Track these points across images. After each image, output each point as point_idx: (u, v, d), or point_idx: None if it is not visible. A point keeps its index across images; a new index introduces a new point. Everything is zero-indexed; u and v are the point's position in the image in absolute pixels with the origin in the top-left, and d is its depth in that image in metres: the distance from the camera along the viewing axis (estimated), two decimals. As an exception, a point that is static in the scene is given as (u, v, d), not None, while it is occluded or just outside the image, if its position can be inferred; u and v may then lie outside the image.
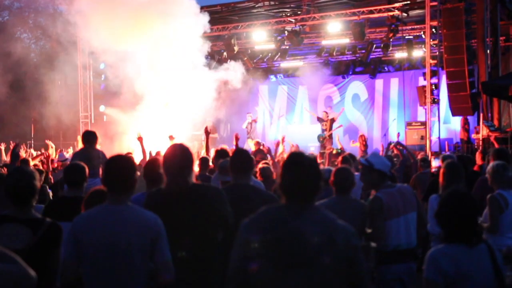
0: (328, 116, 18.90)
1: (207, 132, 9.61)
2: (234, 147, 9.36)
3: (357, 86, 22.47)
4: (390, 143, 10.33)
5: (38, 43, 29.12)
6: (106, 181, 3.59)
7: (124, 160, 3.67)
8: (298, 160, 2.95)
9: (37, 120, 22.33)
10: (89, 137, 8.25)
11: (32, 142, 22.99)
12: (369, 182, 4.94)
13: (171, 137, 9.81)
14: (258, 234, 2.85)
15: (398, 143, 10.43)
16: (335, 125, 18.74)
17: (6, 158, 11.09)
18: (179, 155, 3.94)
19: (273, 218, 2.90)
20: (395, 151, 10.41)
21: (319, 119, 19.10)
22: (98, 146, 8.47)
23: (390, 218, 4.65)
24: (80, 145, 11.22)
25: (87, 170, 4.97)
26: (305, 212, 2.88)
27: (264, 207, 2.99)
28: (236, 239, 2.97)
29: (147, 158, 8.41)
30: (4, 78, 20.49)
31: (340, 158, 7.40)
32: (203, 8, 18.68)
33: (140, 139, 9.52)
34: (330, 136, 18.29)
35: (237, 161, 4.90)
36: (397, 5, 17.06)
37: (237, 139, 9.87)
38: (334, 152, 13.57)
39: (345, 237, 2.86)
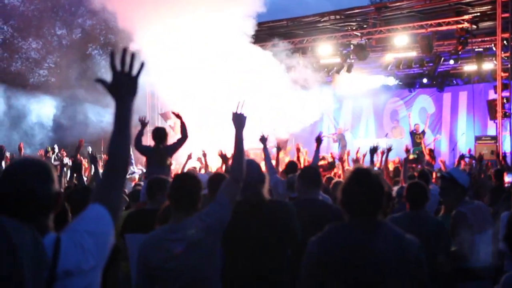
0: (419, 129, 18.49)
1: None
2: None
3: (424, 100, 22.10)
4: (462, 156, 10.10)
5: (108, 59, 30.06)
6: (172, 198, 3.64)
7: (189, 178, 3.73)
8: (365, 177, 2.93)
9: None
10: (161, 134, 8.49)
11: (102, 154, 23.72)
12: (449, 198, 4.81)
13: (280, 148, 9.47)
14: (332, 254, 2.85)
15: (471, 156, 10.20)
16: (428, 138, 18.27)
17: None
18: (247, 171, 3.91)
19: (345, 238, 2.88)
20: (462, 165, 10.18)
21: (412, 133, 18.71)
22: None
23: (471, 234, 4.53)
24: None
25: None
26: (376, 230, 2.87)
27: (331, 224, 2.98)
28: (305, 257, 2.95)
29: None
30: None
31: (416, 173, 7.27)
32: (268, 23, 18.93)
33: (204, 155, 9.59)
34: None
35: (306, 176, 4.93)
36: (466, 17, 16.66)
37: (298, 150, 9.86)
38: (411, 157, 13.15)
39: (413, 252, 2.86)
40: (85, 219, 2.13)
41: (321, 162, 10.47)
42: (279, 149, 8.83)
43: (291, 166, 6.96)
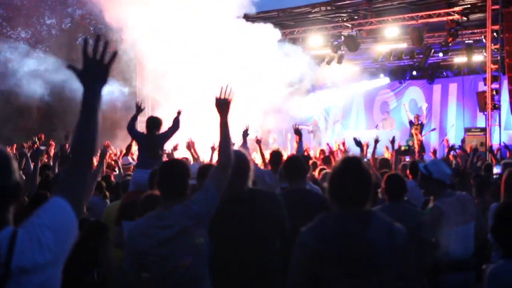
0: (418, 120, 18.47)
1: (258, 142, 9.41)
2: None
3: (414, 91, 22.17)
4: (452, 146, 10.14)
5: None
6: (160, 186, 3.62)
7: (177, 165, 3.70)
8: (355, 166, 2.93)
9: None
10: (154, 122, 8.48)
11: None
12: (427, 191, 4.88)
13: (258, 141, 9.55)
14: (327, 243, 2.83)
15: (461, 148, 10.26)
16: (425, 129, 18.32)
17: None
18: (237, 160, 3.89)
19: (340, 227, 2.87)
20: (451, 157, 10.22)
21: (411, 123, 18.71)
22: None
23: (449, 228, 4.57)
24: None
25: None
26: (369, 219, 2.88)
27: (322, 214, 2.97)
28: (296, 247, 2.93)
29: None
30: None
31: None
32: (259, 14, 18.87)
33: (192, 143, 9.54)
34: (421, 141, 17.10)
35: (290, 166, 4.94)
36: (457, 9, 16.68)
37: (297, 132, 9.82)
38: (402, 149, 13.17)
39: (401, 240, 2.89)
40: (44, 213, 2.04)
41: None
42: (259, 142, 8.92)
43: (275, 156, 6.91)
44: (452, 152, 10.50)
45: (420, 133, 17.88)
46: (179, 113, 8.79)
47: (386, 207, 4.58)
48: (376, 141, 8.77)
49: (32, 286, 1.92)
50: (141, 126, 9.85)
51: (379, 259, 2.80)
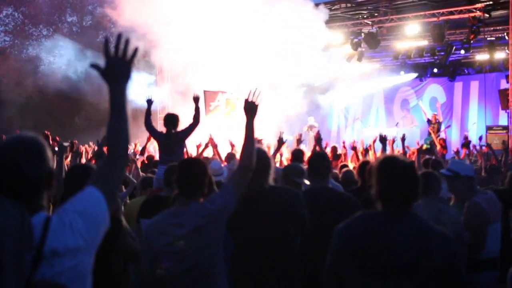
0: (436, 119, 18.31)
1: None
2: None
3: (435, 89, 22.00)
4: (468, 143, 10.06)
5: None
6: (178, 183, 3.63)
7: (194, 164, 3.71)
8: (392, 165, 2.90)
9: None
10: (172, 120, 8.53)
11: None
12: (459, 191, 4.74)
13: (259, 141, 9.51)
14: (353, 241, 2.85)
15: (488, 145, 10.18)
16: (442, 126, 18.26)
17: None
18: (259, 157, 3.86)
19: (368, 225, 2.88)
20: (463, 154, 10.12)
21: (429, 121, 18.58)
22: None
23: (487, 225, 4.49)
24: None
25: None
26: (401, 219, 2.85)
27: (360, 212, 2.98)
28: (332, 244, 2.98)
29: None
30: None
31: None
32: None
33: (211, 140, 9.54)
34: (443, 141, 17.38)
35: (313, 164, 4.92)
36: (478, 5, 16.49)
37: (318, 139, 9.81)
38: (424, 147, 13.05)
39: (442, 244, 2.81)
40: (77, 200, 2.14)
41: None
42: (281, 141, 8.89)
43: (297, 154, 6.91)
44: (472, 149, 10.39)
45: (438, 131, 17.75)
46: (196, 98, 8.73)
47: (419, 205, 4.47)
48: (403, 138, 8.69)
49: (63, 269, 1.99)
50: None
51: (403, 261, 2.77)
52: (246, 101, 3.82)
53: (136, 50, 2.30)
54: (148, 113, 8.83)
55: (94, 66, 2.26)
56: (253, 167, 3.66)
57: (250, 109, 3.80)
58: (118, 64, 2.27)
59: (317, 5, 16.24)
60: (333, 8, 19.18)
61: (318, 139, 7.85)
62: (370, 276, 2.79)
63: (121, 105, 2.28)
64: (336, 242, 2.92)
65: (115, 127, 2.28)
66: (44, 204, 2.11)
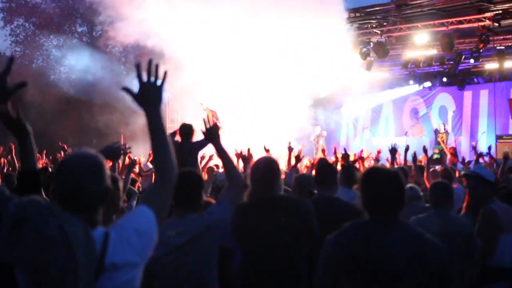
0: (444, 129, 18.30)
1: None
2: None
3: (444, 98, 21.93)
4: (480, 154, 9.98)
5: (128, 56, 30.21)
6: (174, 195, 3.73)
7: (189, 175, 3.78)
8: (373, 175, 2.96)
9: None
10: (187, 130, 8.53)
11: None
12: (481, 194, 4.70)
13: (267, 150, 9.54)
14: (345, 250, 2.87)
15: (489, 155, 10.13)
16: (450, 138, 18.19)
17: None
18: (264, 167, 4.00)
19: (359, 234, 2.91)
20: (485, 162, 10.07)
21: (436, 132, 18.54)
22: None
23: (501, 234, 4.47)
24: None
25: None
26: (392, 227, 2.86)
27: (349, 222, 3.00)
28: (321, 254, 3.00)
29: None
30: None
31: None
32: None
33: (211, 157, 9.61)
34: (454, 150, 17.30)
35: (320, 173, 4.93)
36: (488, 15, 16.45)
37: (323, 151, 9.87)
38: (434, 157, 13.01)
39: (435, 252, 2.82)
40: (133, 217, 2.26)
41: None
42: (290, 149, 8.87)
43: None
44: (480, 160, 10.32)
45: (446, 141, 17.70)
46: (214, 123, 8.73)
47: (432, 215, 4.43)
48: (406, 149, 8.73)
49: (120, 282, 2.10)
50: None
51: (399, 266, 2.77)
52: (206, 129, 3.91)
53: (166, 74, 2.38)
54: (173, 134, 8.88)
55: (126, 90, 2.33)
56: (241, 183, 3.76)
57: (211, 136, 3.89)
58: (151, 88, 2.34)
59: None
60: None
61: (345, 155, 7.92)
62: (363, 284, 2.80)
63: (161, 129, 2.37)
64: (327, 252, 2.94)
65: (160, 154, 2.40)
66: (100, 219, 2.20)
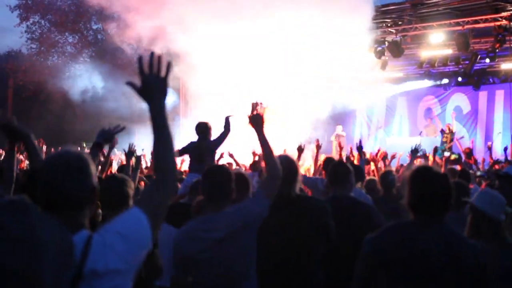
0: (450, 129, 18.23)
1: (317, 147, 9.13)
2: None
3: (459, 98, 21.78)
4: (497, 161, 9.92)
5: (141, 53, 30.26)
6: (204, 190, 3.71)
7: (221, 171, 3.77)
8: (426, 174, 2.92)
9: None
10: (204, 129, 8.56)
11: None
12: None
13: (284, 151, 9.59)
14: (388, 250, 2.87)
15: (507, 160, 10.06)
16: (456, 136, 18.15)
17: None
18: (288, 165, 3.94)
19: (398, 235, 2.90)
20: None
21: (442, 131, 18.51)
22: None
23: None
24: None
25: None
26: (431, 229, 2.85)
27: (392, 222, 3.01)
28: (361, 253, 3.00)
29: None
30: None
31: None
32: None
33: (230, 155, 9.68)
34: (450, 148, 17.47)
35: (333, 173, 4.91)
36: (504, 14, 16.30)
37: (340, 148, 9.84)
38: (452, 158, 12.94)
39: (472, 255, 2.81)
40: (120, 221, 2.09)
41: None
42: (319, 147, 8.82)
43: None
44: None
45: (451, 141, 17.65)
46: (227, 118, 8.77)
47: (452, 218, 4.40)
48: (435, 150, 8.76)
49: None
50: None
51: (433, 269, 2.77)
52: (250, 116, 3.85)
53: (169, 65, 2.27)
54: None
55: (130, 84, 2.25)
56: (280, 175, 3.68)
57: (256, 122, 3.83)
58: (154, 81, 2.24)
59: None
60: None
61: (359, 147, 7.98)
62: (402, 283, 2.80)
63: (162, 124, 2.24)
64: (368, 251, 2.93)
65: (161, 151, 2.24)
66: (85, 222, 2.09)
